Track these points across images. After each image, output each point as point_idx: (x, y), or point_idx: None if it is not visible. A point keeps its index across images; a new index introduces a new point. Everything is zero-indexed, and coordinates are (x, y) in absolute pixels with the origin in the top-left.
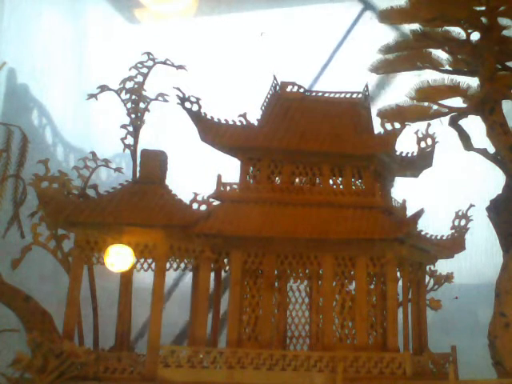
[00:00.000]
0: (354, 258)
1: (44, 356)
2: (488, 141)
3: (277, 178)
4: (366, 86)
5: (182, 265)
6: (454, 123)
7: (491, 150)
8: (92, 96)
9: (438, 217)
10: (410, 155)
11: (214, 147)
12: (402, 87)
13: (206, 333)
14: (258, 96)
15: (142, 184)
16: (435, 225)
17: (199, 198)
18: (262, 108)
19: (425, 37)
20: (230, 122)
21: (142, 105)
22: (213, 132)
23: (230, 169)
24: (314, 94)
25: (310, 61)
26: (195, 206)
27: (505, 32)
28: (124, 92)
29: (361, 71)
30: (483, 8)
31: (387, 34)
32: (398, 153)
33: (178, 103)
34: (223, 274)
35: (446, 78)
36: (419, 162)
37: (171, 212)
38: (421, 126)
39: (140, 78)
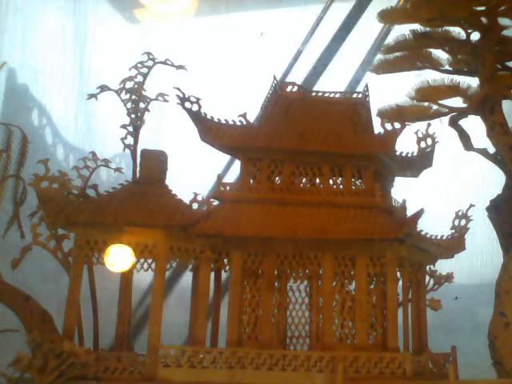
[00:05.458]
0: (353, 258)
1: (44, 356)
2: (488, 141)
3: (277, 178)
4: (366, 85)
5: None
6: (454, 123)
7: (491, 149)
8: (92, 96)
9: (438, 217)
10: (409, 155)
11: (214, 147)
12: (402, 87)
13: (206, 333)
14: (258, 96)
15: (142, 184)
16: (435, 225)
17: (199, 198)
18: (261, 108)
19: (425, 37)
20: (230, 122)
21: (142, 105)
22: (213, 132)
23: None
24: (313, 93)
25: (310, 60)
26: (195, 206)
27: (505, 32)
28: (124, 92)
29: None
30: (483, 8)
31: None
32: (398, 153)
33: (178, 103)
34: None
35: (446, 78)
36: (419, 162)
37: (171, 212)
38: (421, 126)
39: (140, 78)
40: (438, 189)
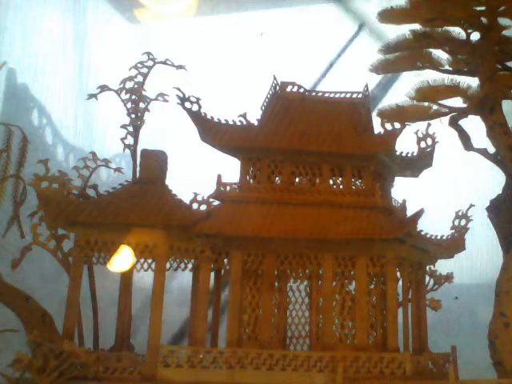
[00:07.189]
0: (353, 258)
1: (44, 356)
2: (488, 141)
3: (277, 178)
4: (366, 85)
5: (182, 265)
6: (454, 123)
7: (491, 149)
8: (92, 96)
9: (438, 217)
10: (410, 155)
11: (214, 147)
12: (402, 87)
13: (206, 333)
14: (258, 96)
15: (142, 184)
16: (435, 225)
17: (199, 197)
18: (262, 108)
19: (425, 37)
20: (230, 122)
21: (141, 105)
22: (213, 132)
23: (229, 169)
24: (313, 94)
25: (310, 60)
26: (195, 206)
27: (505, 32)
28: (124, 92)
29: (361, 70)
30: (483, 8)
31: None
32: (398, 153)
33: (178, 103)
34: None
35: (446, 78)
36: (419, 162)
37: (171, 212)
38: (421, 126)
39: (140, 78)
40: (438, 189)
